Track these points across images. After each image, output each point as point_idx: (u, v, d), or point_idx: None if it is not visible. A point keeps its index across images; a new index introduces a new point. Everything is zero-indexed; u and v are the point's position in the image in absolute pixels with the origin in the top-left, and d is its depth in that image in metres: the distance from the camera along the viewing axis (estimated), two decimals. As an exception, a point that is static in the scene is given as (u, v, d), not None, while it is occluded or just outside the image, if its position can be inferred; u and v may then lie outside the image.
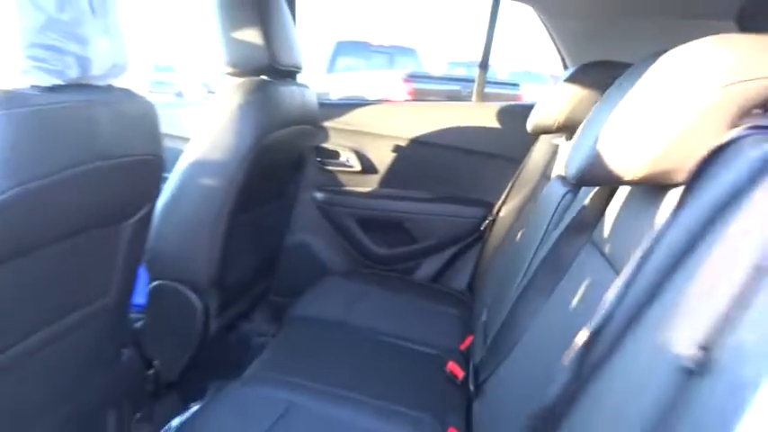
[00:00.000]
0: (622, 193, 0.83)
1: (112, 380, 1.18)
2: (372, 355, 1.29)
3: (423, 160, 1.85)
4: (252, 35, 1.29)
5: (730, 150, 0.49)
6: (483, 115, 1.81)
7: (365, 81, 6.51)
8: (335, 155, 1.85)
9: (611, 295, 0.55)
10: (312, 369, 1.17)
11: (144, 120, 0.96)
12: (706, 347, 0.41)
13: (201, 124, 1.28)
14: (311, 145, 1.79)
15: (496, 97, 4.34)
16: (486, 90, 1.98)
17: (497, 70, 8.90)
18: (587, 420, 0.53)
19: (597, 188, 0.91)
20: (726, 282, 0.42)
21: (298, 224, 1.87)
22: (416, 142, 1.83)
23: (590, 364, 0.54)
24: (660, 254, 0.51)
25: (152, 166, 0.99)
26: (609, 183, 0.67)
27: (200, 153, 1.25)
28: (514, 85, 6.12)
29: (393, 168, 1.85)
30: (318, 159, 1.85)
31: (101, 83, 0.85)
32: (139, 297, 1.37)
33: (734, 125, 0.57)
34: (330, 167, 1.86)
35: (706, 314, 0.43)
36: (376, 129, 1.84)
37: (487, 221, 1.77)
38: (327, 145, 1.84)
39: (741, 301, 0.41)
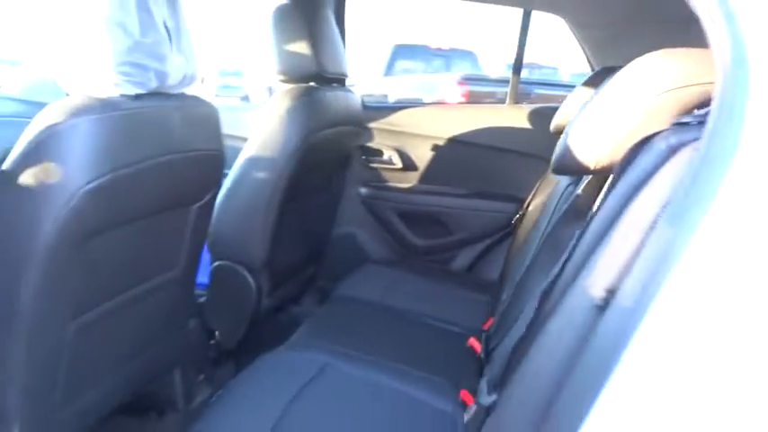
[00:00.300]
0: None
1: (180, 343, 1.38)
2: (403, 330, 1.44)
3: (459, 158, 1.98)
4: (301, 47, 1.47)
5: (649, 143, 0.62)
6: (516, 117, 1.94)
7: (422, 84, 6.65)
8: (379, 153, 2.02)
9: (560, 264, 0.68)
10: (348, 339, 1.33)
11: (209, 121, 1.16)
12: (611, 290, 0.54)
13: (257, 125, 1.48)
14: (356, 144, 1.96)
15: (553, 99, 4.38)
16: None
17: (562, 73, 8.85)
18: (532, 361, 0.67)
19: (591, 178, 1.03)
20: (630, 240, 0.55)
21: (344, 217, 2.05)
22: (453, 142, 1.97)
23: (544, 313, 0.68)
24: (594, 226, 0.64)
25: (214, 160, 1.18)
26: (579, 172, 0.80)
27: (254, 150, 1.44)
28: (573, 86, 6.11)
29: (432, 166, 2.00)
30: (364, 157, 2.02)
31: (174, 91, 1.04)
32: (203, 277, 1.58)
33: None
34: (374, 165, 2.03)
35: (615, 265, 0.56)
36: (416, 129, 1.99)
37: (517, 216, 1.89)
38: (372, 144, 2.01)
39: (636, 253, 0.54)
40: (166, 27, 0.98)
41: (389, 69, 7.55)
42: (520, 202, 1.92)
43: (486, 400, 0.75)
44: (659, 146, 0.60)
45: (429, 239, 2.03)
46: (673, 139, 0.59)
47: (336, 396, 1.09)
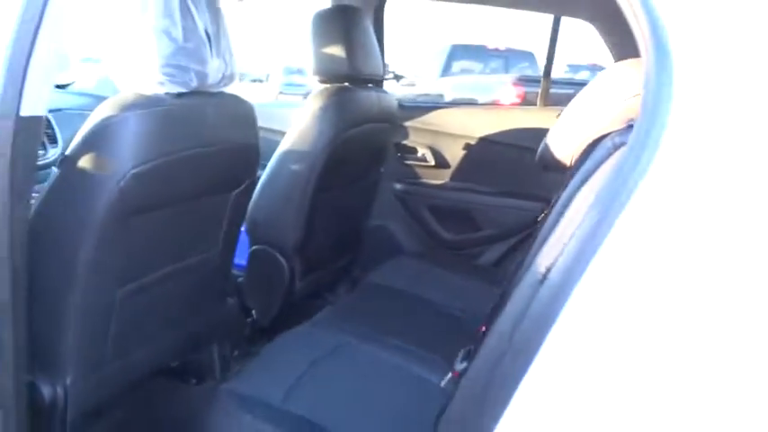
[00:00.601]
0: None
1: (218, 319, 1.52)
2: (421, 315, 1.53)
3: (490, 157, 2.05)
4: (336, 49, 1.59)
5: (601, 142, 0.70)
6: (546, 118, 1.98)
7: (477, 84, 6.69)
8: (413, 151, 2.11)
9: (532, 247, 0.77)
10: (368, 321, 1.43)
11: (245, 117, 1.29)
12: (549, 268, 0.63)
13: (294, 121, 1.61)
14: (391, 141, 2.06)
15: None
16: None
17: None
18: (492, 332, 0.75)
19: None
20: (572, 226, 0.64)
21: (380, 210, 2.15)
22: (485, 141, 2.04)
23: (509, 291, 0.76)
24: (552, 214, 0.72)
25: (249, 151, 1.31)
26: (558, 167, 0.88)
27: (289, 144, 1.58)
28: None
29: (463, 164, 2.08)
30: (399, 155, 2.13)
31: (214, 90, 1.17)
32: (242, 260, 1.73)
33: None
34: (408, 162, 2.13)
35: (557, 246, 0.64)
36: (450, 129, 2.08)
37: (543, 215, 1.94)
38: (407, 142, 2.11)
39: (572, 236, 0.62)
40: (208, 33, 1.11)
41: (446, 69, 7.61)
42: (546, 201, 1.97)
43: (459, 366, 0.84)
44: (606, 144, 0.67)
45: (459, 235, 2.11)
46: (617, 139, 0.66)
47: (345, 370, 1.20)
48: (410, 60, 8.56)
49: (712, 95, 0.52)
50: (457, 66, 7.79)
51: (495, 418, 0.56)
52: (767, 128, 0.49)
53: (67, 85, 2.57)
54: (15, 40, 0.84)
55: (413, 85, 7.83)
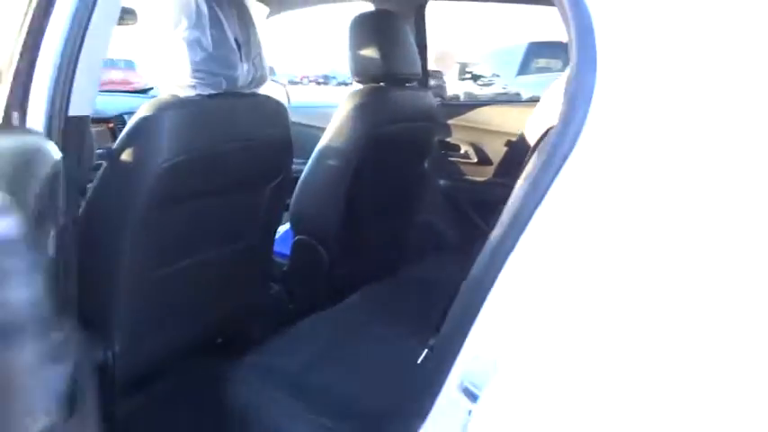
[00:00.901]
0: None
1: (259, 302, 1.65)
2: (440, 300, 1.59)
3: None
4: (371, 51, 1.68)
5: (552, 129, 0.74)
6: None
7: (552, 82, 6.54)
8: (457, 148, 2.16)
9: None
10: (395, 308, 1.50)
11: (276, 115, 1.40)
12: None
13: (332, 120, 1.71)
14: (432, 139, 2.12)
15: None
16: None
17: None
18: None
19: None
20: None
21: (426, 206, 2.21)
22: (525, 138, 2.06)
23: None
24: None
25: (281, 147, 1.42)
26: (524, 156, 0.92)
27: (326, 141, 1.68)
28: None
29: (505, 160, 2.10)
30: (443, 152, 2.18)
31: (246, 91, 1.29)
32: (287, 250, 1.85)
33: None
34: (452, 159, 2.18)
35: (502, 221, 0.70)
36: (491, 126, 2.10)
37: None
38: (450, 139, 2.16)
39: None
40: (238, 41, 1.23)
41: (524, 67, 7.48)
42: None
43: (432, 341, 0.90)
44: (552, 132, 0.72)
45: (502, 230, 2.13)
46: (559, 127, 0.71)
47: (363, 350, 1.29)
48: (488, 60, 8.48)
49: (629, 98, 0.58)
50: (535, 64, 7.64)
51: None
52: (683, 135, 0.54)
53: (149, 89, 2.83)
54: (63, 46, 0.99)
55: (491, 83, 7.77)
